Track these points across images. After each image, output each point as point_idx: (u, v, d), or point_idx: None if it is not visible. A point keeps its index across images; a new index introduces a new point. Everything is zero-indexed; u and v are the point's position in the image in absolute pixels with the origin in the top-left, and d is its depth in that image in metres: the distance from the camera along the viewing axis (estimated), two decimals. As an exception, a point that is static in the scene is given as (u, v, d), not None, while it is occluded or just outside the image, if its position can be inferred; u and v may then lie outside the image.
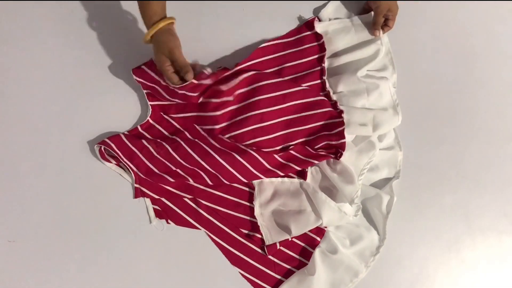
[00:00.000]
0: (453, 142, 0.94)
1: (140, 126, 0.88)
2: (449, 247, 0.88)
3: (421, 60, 0.98)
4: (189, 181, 0.84)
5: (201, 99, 0.88)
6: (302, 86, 0.90)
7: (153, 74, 0.86)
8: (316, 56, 0.93)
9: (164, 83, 0.85)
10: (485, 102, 0.96)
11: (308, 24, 0.95)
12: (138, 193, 0.85)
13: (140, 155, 0.84)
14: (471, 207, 0.91)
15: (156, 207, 0.85)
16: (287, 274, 0.84)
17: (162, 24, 0.79)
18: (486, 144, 0.94)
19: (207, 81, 0.85)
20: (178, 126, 0.89)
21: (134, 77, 0.87)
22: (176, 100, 0.88)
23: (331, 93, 0.91)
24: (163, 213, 0.85)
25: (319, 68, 0.92)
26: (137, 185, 0.85)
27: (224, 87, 0.87)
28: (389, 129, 0.89)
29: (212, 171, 0.85)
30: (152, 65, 0.87)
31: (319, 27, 0.94)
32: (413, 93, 0.96)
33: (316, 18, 0.95)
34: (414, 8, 0.97)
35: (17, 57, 0.91)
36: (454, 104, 0.96)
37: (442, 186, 0.91)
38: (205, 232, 0.85)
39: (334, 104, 0.89)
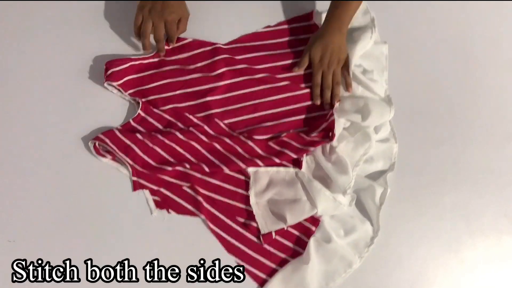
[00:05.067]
0: (453, 142, 0.94)
1: (133, 119, 0.89)
2: (449, 247, 0.87)
3: (422, 60, 0.99)
4: (186, 167, 0.85)
5: (186, 90, 0.90)
6: (292, 73, 0.93)
7: (122, 67, 0.89)
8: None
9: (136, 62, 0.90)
10: (485, 102, 0.97)
11: (306, 16, 0.97)
12: (136, 186, 0.86)
13: (136, 148, 0.85)
14: (471, 207, 0.90)
15: (156, 197, 0.86)
16: (282, 263, 0.84)
17: None
18: (486, 144, 0.94)
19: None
20: (169, 118, 0.90)
21: (115, 83, 0.88)
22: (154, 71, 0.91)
23: None
24: (163, 203, 0.85)
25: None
26: (134, 178, 0.86)
27: (209, 71, 0.91)
28: (381, 121, 0.90)
29: (209, 157, 0.86)
30: (114, 64, 0.89)
31: (317, 19, 0.96)
32: (413, 93, 0.96)
33: (315, 10, 0.97)
34: (414, 8, 0.98)
35: (7, 56, 0.93)
36: (454, 104, 0.96)
37: (442, 186, 0.91)
38: (203, 219, 0.85)
39: None
